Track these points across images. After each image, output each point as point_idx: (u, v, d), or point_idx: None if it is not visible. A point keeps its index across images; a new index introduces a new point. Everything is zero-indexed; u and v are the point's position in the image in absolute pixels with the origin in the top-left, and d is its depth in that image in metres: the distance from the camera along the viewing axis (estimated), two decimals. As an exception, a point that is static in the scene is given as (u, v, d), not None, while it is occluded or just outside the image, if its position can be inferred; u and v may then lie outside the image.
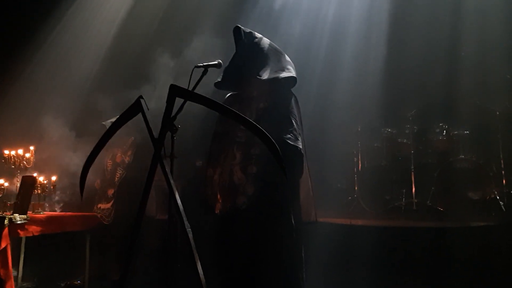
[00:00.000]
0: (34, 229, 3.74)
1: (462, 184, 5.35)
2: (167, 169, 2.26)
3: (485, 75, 5.66)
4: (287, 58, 3.08)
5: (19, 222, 3.52)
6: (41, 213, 4.04)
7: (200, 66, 2.60)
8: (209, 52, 3.97)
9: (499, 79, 5.59)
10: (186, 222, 2.13)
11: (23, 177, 3.90)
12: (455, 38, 5.83)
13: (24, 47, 5.95)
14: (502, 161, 5.38)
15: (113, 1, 6.21)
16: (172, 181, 2.23)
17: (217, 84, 3.11)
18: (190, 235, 2.11)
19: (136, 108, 2.40)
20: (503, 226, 4.24)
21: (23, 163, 4.28)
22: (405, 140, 6.00)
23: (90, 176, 2.57)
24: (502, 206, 5.04)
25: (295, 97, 3.06)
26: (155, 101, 3.09)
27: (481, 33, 5.71)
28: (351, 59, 6.01)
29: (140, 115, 2.40)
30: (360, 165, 6.27)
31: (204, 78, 2.58)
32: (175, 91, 2.31)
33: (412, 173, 5.70)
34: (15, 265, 4.06)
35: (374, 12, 6.02)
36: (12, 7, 6.18)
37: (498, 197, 5.14)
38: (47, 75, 5.80)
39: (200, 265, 2.09)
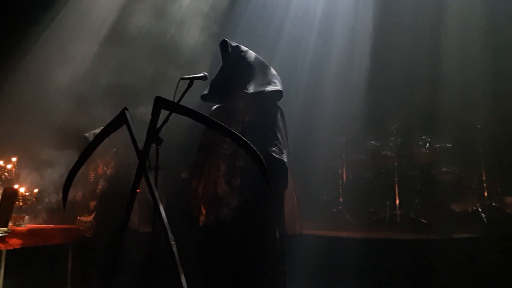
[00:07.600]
0: (15, 242, 3.65)
1: (445, 196, 5.42)
2: (152, 181, 2.24)
3: (466, 89, 5.77)
4: (273, 71, 3.09)
5: (-1, 235, 3.45)
6: (23, 225, 3.96)
7: (186, 78, 2.60)
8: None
9: (479, 93, 5.71)
10: (170, 235, 2.11)
11: (4, 188, 3.83)
12: (437, 53, 5.95)
13: (7, 56, 5.88)
14: (483, 174, 5.47)
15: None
16: (156, 193, 2.20)
17: (203, 97, 3.11)
18: (174, 248, 2.09)
19: (120, 119, 2.37)
20: (485, 238, 4.29)
21: (5, 174, 4.20)
22: (389, 153, 6.06)
23: (72, 188, 2.53)
24: (484, 218, 5.10)
25: (281, 110, 3.07)
26: None
27: (461, 49, 5.85)
28: (336, 72, 6.08)
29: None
30: (345, 177, 6.30)
31: (190, 89, 2.58)
32: (160, 103, 2.30)
33: (396, 185, 5.74)
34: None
35: (358, 28, 6.13)
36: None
37: (480, 209, 5.20)
38: (28, 85, 5.72)
39: (184, 278, 2.07)
